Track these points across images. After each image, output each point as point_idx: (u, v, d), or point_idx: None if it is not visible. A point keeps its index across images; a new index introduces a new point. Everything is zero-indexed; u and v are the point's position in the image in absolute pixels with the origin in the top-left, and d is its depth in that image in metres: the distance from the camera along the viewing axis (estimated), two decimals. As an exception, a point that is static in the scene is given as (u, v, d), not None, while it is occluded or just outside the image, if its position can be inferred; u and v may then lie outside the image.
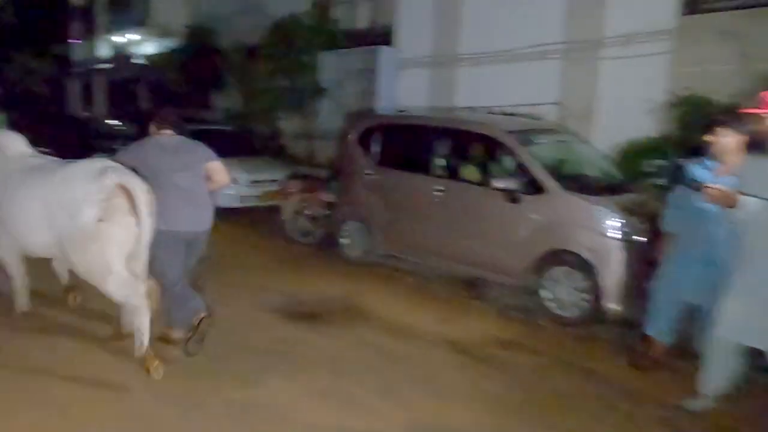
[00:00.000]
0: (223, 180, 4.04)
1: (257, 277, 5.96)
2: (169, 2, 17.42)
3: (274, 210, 8.24)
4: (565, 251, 4.82)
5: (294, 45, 10.61)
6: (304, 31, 10.67)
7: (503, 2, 8.90)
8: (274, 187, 8.60)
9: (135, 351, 3.65)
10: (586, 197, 4.86)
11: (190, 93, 13.49)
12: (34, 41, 27.32)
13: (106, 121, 15.61)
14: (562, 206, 4.89)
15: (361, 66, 10.44)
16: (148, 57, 16.57)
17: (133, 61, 18.60)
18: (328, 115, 10.91)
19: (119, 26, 18.87)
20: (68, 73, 22.71)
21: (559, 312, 4.90)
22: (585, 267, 4.70)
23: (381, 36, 10.60)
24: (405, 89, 9.96)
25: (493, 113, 6.36)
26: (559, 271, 4.88)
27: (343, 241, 6.63)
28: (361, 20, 11.24)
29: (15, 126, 6.52)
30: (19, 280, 4.29)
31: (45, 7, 25.59)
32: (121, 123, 14.94)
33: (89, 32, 21.12)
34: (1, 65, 29.50)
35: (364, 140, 6.46)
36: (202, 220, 3.95)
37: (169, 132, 3.95)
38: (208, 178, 3.98)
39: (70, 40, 22.44)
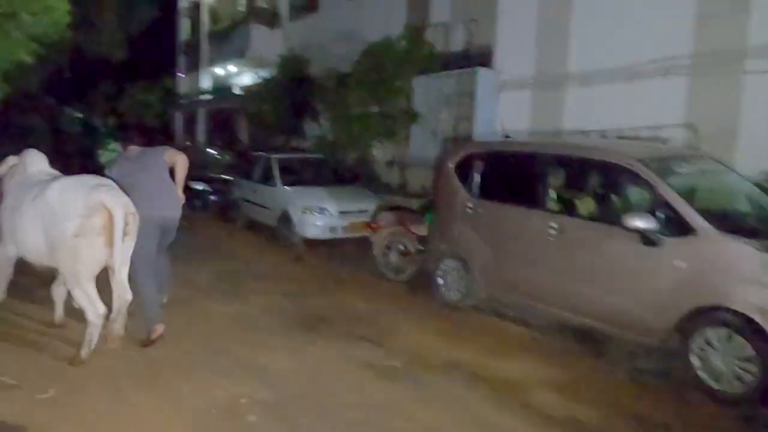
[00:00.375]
0: (182, 161, 4.76)
1: (343, 320, 5.40)
2: (266, 34, 17.86)
3: (363, 243, 7.74)
4: (722, 309, 3.84)
5: (386, 70, 10.22)
6: (396, 55, 10.26)
7: (617, 14, 7.96)
8: (364, 219, 8.12)
9: (77, 355, 4.04)
10: (748, 241, 3.87)
11: (283, 122, 13.47)
12: (146, 75, 29.41)
13: (207, 150, 16.10)
14: (718, 251, 3.92)
15: (457, 90, 9.82)
16: (246, 88, 16.93)
17: (233, 91, 19.19)
18: (422, 142, 10.35)
19: (221, 58, 19.57)
20: (174, 105, 23.92)
21: (713, 385, 3.90)
22: (751, 330, 3.70)
23: (478, 57, 9.94)
24: (504, 113, 9.19)
25: (607, 137, 5.47)
26: (713, 334, 3.89)
27: (438, 281, 5.94)
28: (457, 42, 10.67)
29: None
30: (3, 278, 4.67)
31: (156, 43, 27.48)
32: (218, 152, 15.36)
33: (194, 65, 22.15)
34: (116, 98, 32.04)
35: (463, 169, 5.78)
36: (169, 206, 4.71)
37: (133, 147, 4.93)
38: (172, 167, 4.75)
39: (177, 74, 23.66)
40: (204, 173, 12.73)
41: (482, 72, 9.46)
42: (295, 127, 13.64)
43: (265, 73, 15.25)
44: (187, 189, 4.93)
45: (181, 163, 4.75)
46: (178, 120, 23.60)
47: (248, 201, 10.52)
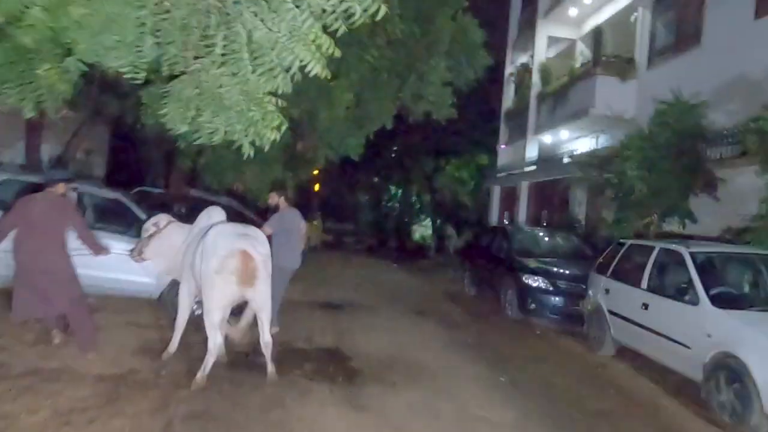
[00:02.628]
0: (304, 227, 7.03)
1: None
2: (615, 87, 14.11)
3: None
4: None
5: None
6: None
7: None
8: None
9: (197, 378, 4.72)
10: None
11: (663, 194, 9.26)
12: (462, 150, 28.42)
13: (526, 229, 12.75)
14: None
15: None
16: (589, 154, 13.26)
17: (565, 160, 15.78)
18: None
19: (551, 124, 16.48)
20: (491, 179, 21.69)
21: None
22: None
23: None
24: None
25: None
26: None
27: None
28: None
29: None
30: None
31: (475, 114, 26.23)
32: (547, 233, 11.89)
33: (516, 135, 19.60)
34: (432, 175, 31.98)
35: None
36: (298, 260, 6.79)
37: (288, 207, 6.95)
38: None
39: (500, 145, 21.50)
40: (541, 266, 9.30)
41: None
42: (678, 203, 9.26)
43: (619, 133, 11.41)
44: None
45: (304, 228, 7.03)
46: (496, 195, 21.15)
47: (622, 318, 6.55)
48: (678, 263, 6.01)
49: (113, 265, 6.59)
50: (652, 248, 6.60)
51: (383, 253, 21.79)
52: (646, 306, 6.19)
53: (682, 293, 5.62)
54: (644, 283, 6.39)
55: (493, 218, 21.09)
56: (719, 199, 8.97)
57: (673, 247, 6.32)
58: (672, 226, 9.61)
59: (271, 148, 10.35)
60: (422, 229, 31.59)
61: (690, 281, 5.61)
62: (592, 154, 13.00)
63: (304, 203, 25.62)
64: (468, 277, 11.97)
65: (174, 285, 6.33)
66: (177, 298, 5.67)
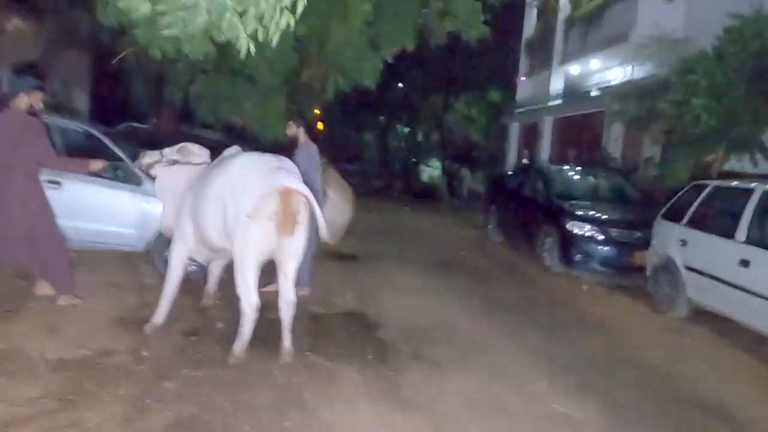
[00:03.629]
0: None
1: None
2: (660, 7, 12.43)
3: None
4: None
5: None
6: None
7: None
8: None
9: (235, 350, 3.85)
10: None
11: (727, 126, 7.91)
12: (475, 85, 26.63)
13: (564, 168, 11.39)
14: None
15: None
16: (628, 84, 11.77)
17: (594, 93, 14.28)
18: None
19: (583, 52, 14.84)
20: (508, 116, 20.17)
21: None
22: None
23: None
24: None
25: None
26: None
27: None
28: None
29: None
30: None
31: (493, 49, 24.34)
32: (588, 173, 10.53)
33: (539, 66, 17.92)
34: (443, 113, 30.29)
35: None
36: None
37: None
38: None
39: (520, 78, 19.83)
40: (587, 211, 8.07)
41: None
42: (751, 136, 7.92)
43: (670, 56, 9.93)
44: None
45: None
46: (514, 133, 19.67)
47: (708, 275, 5.38)
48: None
49: (86, 213, 5.48)
50: (751, 191, 5.32)
51: (392, 196, 20.51)
52: (745, 263, 4.97)
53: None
54: (741, 235, 5.15)
55: (511, 158, 19.71)
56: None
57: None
58: (737, 163, 8.34)
59: (272, 73, 8.64)
60: (430, 170, 30.18)
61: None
62: (632, 84, 11.53)
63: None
64: (494, 223, 10.75)
65: (162, 236, 5.19)
66: (168, 252, 4.52)
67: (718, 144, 8.17)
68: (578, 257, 7.75)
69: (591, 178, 9.55)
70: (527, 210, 9.43)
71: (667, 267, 6.17)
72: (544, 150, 16.72)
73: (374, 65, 8.60)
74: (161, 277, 4.70)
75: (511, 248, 9.92)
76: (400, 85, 31.70)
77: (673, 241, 6.13)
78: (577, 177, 9.85)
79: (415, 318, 5.45)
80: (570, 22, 15.86)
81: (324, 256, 8.12)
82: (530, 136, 18.35)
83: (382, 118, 35.39)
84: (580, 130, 15.17)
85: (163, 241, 5.21)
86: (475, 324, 5.48)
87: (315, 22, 7.45)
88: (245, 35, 2.48)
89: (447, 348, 4.68)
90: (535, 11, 19.15)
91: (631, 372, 4.56)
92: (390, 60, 8.88)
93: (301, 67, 9.81)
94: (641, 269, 7.15)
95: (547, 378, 4.24)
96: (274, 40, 2.56)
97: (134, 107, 13.23)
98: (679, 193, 6.55)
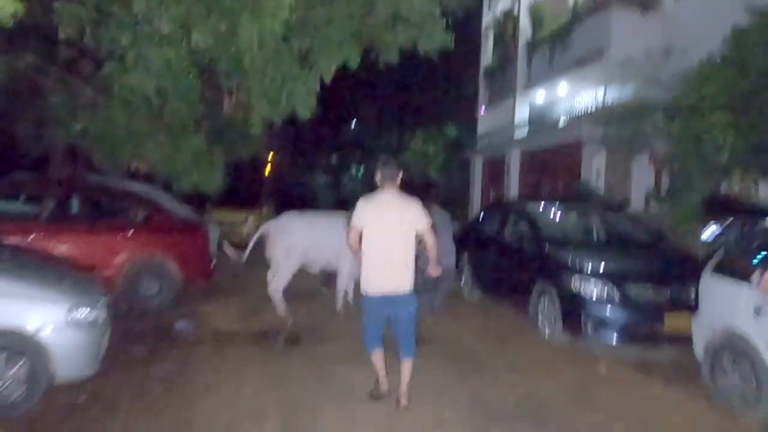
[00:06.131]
0: None
1: None
2: (634, 23, 11.12)
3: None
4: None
5: None
6: None
7: None
8: None
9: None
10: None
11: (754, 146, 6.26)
12: (432, 120, 25.18)
13: (552, 206, 9.57)
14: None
15: None
16: (612, 106, 10.25)
17: (569, 119, 12.79)
18: None
19: (548, 76, 13.40)
20: (469, 150, 18.59)
21: None
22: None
23: None
24: None
25: None
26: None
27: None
28: None
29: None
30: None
31: (449, 78, 22.99)
32: (583, 213, 8.71)
33: (502, 94, 16.45)
34: (398, 150, 28.65)
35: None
36: None
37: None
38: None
39: (480, 108, 18.39)
40: (599, 262, 6.19)
41: None
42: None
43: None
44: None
45: None
46: (477, 168, 18.03)
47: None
48: None
49: None
50: None
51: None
52: None
53: None
54: None
55: (475, 195, 18.02)
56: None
57: None
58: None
59: (183, 102, 5.97)
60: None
61: None
62: (617, 106, 9.96)
63: (251, 189, 22.03)
64: (468, 278, 8.77)
65: None
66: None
67: (745, 168, 6.52)
68: (588, 325, 5.82)
69: (588, 218, 7.72)
70: (512, 260, 7.52)
71: (734, 347, 4.29)
72: (512, 186, 15.06)
73: (308, 87, 6.65)
74: None
75: (494, 310, 7.94)
76: (354, 121, 30.18)
77: (740, 307, 4.26)
78: (570, 216, 8.01)
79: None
80: (533, 45, 14.48)
81: (251, 340, 5.99)
82: (496, 171, 16.73)
83: (335, 157, 33.58)
84: (553, 162, 13.57)
85: None
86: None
87: (219, 26, 5.49)
88: None
89: None
90: (491, 37, 17.84)
91: None
92: (328, 81, 6.90)
93: (219, 96, 7.81)
94: (677, 338, 5.30)
95: None
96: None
97: (24, 153, 10.85)
98: (740, 236, 4.75)
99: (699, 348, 4.74)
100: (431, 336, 6.24)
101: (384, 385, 4.35)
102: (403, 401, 4.16)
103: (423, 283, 4.79)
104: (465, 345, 6.33)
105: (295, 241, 6.51)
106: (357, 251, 4.21)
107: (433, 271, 4.33)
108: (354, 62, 6.72)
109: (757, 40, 6.41)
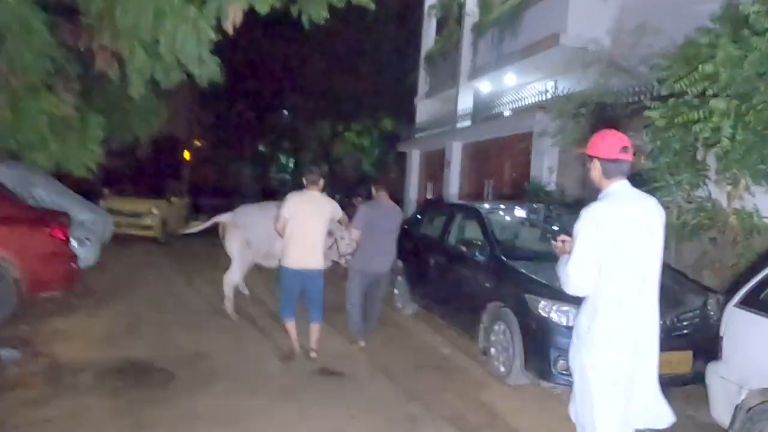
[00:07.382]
0: None
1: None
2: (591, 6, 10.02)
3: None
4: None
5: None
6: None
7: None
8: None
9: None
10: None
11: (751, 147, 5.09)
12: (367, 110, 23.70)
13: (506, 206, 8.18)
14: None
15: None
16: (570, 95, 9.04)
17: (519, 109, 11.59)
18: None
19: (497, 63, 12.15)
20: (405, 142, 17.20)
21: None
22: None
23: None
24: None
25: None
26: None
27: None
28: None
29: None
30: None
31: (384, 70, 21.56)
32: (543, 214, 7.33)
33: (444, 83, 15.12)
34: (330, 142, 26.99)
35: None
36: None
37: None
38: None
39: (417, 100, 17.03)
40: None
41: None
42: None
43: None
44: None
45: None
46: (414, 162, 16.63)
47: None
48: None
49: None
50: None
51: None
52: None
53: None
54: None
55: (411, 191, 16.63)
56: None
57: None
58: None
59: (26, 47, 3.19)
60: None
61: None
62: (577, 95, 8.76)
63: (164, 175, 19.72)
64: (403, 287, 7.28)
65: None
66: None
67: (745, 169, 5.34)
68: (558, 363, 4.44)
69: (554, 223, 6.33)
70: (457, 272, 6.08)
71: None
72: (453, 182, 13.75)
73: (199, 33, 4.91)
74: None
75: (432, 329, 6.48)
76: (285, 111, 28.19)
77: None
78: (531, 221, 6.61)
79: None
80: (479, 29, 13.20)
81: (109, 377, 4.19)
82: (434, 165, 15.38)
83: (263, 148, 31.40)
84: (498, 157, 12.33)
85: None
86: None
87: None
88: None
89: None
90: (434, 22, 16.47)
91: None
92: (230, 30, 5.18)
93: (85, 40, 5.88)
94: (673, 379, 4.03)
95: None
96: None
97: None
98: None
99: (719, 408, 3.43)
100: (343, 366, 4.68)
101: (296, 348, 5.13)
102: (313, 354, 5.09)
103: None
104: (389, 383, 4.80)
105: (249, 236, 6.44)
106: (283, 235, 5.14)
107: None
108: (263, 4, 5.04)
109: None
